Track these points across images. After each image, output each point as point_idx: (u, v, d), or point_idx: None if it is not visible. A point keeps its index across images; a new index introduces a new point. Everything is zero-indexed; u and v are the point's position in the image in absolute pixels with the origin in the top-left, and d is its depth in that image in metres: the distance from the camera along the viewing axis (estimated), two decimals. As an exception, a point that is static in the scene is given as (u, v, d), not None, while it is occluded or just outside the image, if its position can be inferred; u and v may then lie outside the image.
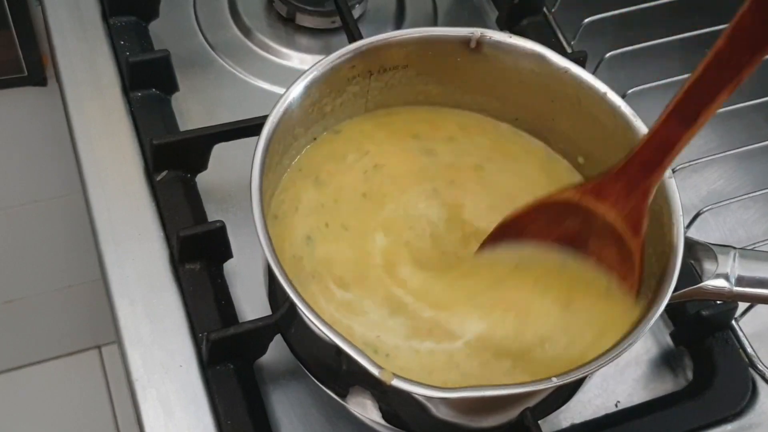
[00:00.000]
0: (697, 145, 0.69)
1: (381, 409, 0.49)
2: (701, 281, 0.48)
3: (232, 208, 0.62)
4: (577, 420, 0.57)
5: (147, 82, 0.65)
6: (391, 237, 0.53)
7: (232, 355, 0.54)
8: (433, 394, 0.43)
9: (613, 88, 0.53)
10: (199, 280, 0.57)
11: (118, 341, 0.56)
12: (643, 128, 0.51)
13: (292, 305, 0.45)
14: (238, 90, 0.69)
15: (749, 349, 0.59)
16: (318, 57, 0.55)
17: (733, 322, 0.60)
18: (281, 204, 0.53)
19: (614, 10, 0.70)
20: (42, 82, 0.91)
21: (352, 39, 0.63)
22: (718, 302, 0.57)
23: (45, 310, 1.27)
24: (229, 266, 0.59)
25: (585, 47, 0.69)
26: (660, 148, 0.44)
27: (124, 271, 0.58)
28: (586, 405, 0.57)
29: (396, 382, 0.42)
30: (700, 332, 0.59)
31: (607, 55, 0.68)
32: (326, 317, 0.46)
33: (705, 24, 0.69)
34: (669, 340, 0.61)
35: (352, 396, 0.49)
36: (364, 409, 0.50)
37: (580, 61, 0.65)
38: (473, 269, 0.52)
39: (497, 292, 0.51)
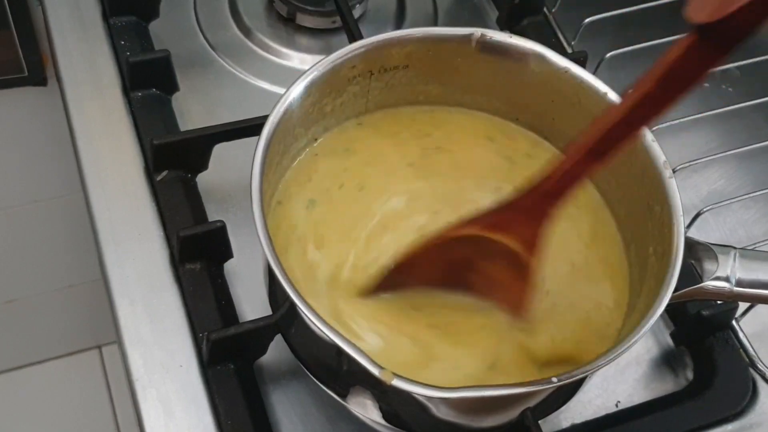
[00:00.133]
0: (697, 145, 0.69)
1: (381, 409, 0.49)
2: (702, 281, 0.48)
3: (232, 208, 0.62)
4: (578, 420, 0.57)
5: (147, 82, 0.65)
6: (409, 206, 0.53)
7: (232, 355, 0.54)
8: (434, 394, 0.43)
9: (613, 88, 0.53)
10: (200, 280, 0.57)
11: (119, 341, 0.56)
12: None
13: (293, 305, 0.45)
14: (238, 90, 0.69)
15: (750, 349, 0.59)
16: (318, 57, 0.55)
17: (734, 322, 0.60)
18: (292, 181, 0.54)
19: (614, 10, 0.70)
20: (42, 82, 0.91)
21: (353, 39, 0.63)
22: (719, 302, 0.57)
23: (45, 310, 1.27)
24: (229, 266, 0.59)
25: (585, 47, 0.69)
26: (564, 179, 0.44)
27: (125, 271, 0.58)
28: (587, 405, 0.57)
29: (396, 382, 0.42)
30: (701, 332, 0.59)
31: (608, 55, 0.68)
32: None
33: (705, 24, 0.69)
34: (669, 340, 0.61)
35: (353, 396, 0.49)
36: (365, 409, 0.50)
37: (581, 61, 0.65)
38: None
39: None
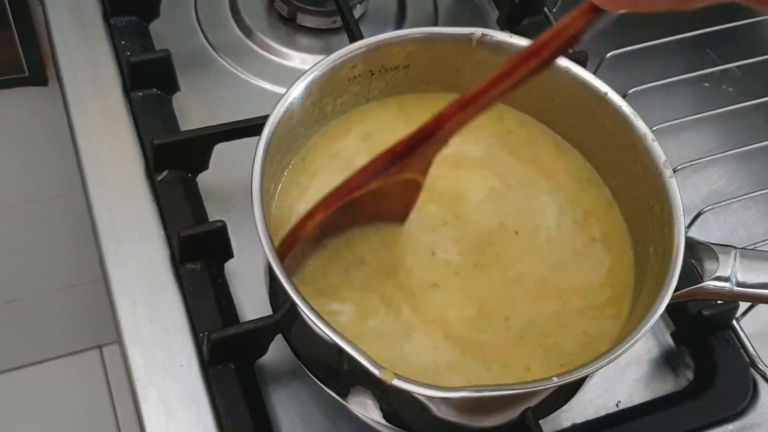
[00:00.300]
0: (697, 145, 0.69)
1: (382, 409, 0.49)
2: (702, 281, 0.48)
3: (232, 207, 0.62)
4: (578, 420, 0.57)
5: (148, 81, 0.65)
6: None
7: (232, 355, 0.54)
8: (434, 394, 0.43)
9: (613, 88, 0.53)
10: (200, 280, 0.57)
11: (119, 341, 0.56)
12: (643, 128, 0.52)
13: (293, 305, 0.45)
14: (238, 90, 0.69)
15: (750, 349, 0.59)
16: (319, 57, 0.55)
17: (734, 322, 0.60)
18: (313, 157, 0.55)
19: (615, 10, 0.70)
20: (43, 82, 0.91)
21: (353, 39, 0.63)
22: (719, 302, 0.57)
23: (46, 310, 1.27)
24: (229, 266, 0.59)
25: (585, 47, 0.69)
26: (448, 128, 0.47)
27: (125, 270, 0.58)
28: (587, 405, 0.58)
29: (396, 382, 0.42)
30: (701, 332, 0.59)
31: (608, 55, 0.68)
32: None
33: (705, 24, 0.69)
34: (670, 340, 0.61)
35: (353, 396, 0.49)
36: (365, 408, 0.50)
37: (581, 61, 0.65)
38: None
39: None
